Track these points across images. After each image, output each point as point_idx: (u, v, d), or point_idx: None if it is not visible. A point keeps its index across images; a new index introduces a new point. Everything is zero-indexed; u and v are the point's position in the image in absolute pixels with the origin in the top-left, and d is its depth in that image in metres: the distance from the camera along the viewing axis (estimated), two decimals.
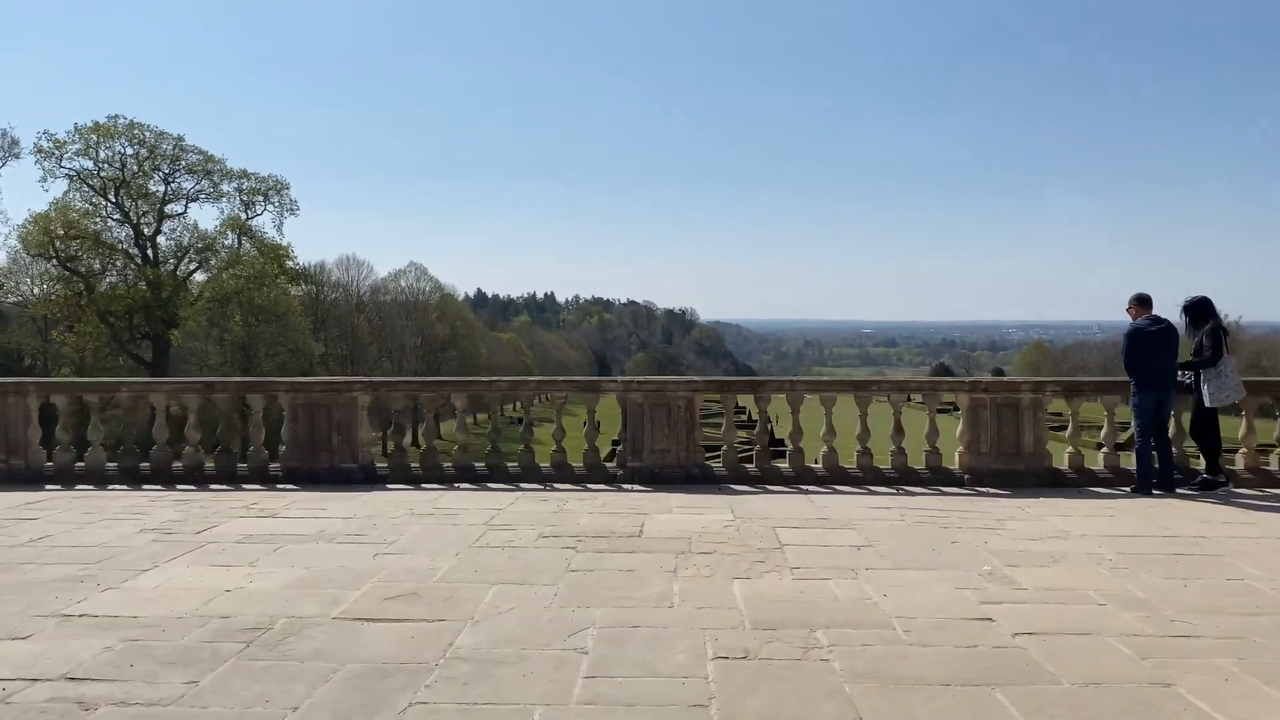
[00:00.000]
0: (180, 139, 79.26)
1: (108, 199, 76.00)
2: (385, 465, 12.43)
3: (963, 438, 12.21)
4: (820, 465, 12.24)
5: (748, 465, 12.32)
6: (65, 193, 75.53)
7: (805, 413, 12.54)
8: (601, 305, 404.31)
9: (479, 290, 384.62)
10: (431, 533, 8.93)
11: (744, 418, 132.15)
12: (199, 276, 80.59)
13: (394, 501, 10.68)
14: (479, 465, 12.32)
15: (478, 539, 8.64)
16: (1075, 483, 11.97)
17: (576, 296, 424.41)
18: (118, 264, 76.58)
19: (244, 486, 12.07)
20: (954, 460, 12.33)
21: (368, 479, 12.24)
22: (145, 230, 78.98)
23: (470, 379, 12.32)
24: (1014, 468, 11.98)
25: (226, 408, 12.52)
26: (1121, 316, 12.24)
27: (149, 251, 79.02)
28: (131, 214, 77.65)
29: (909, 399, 13.14)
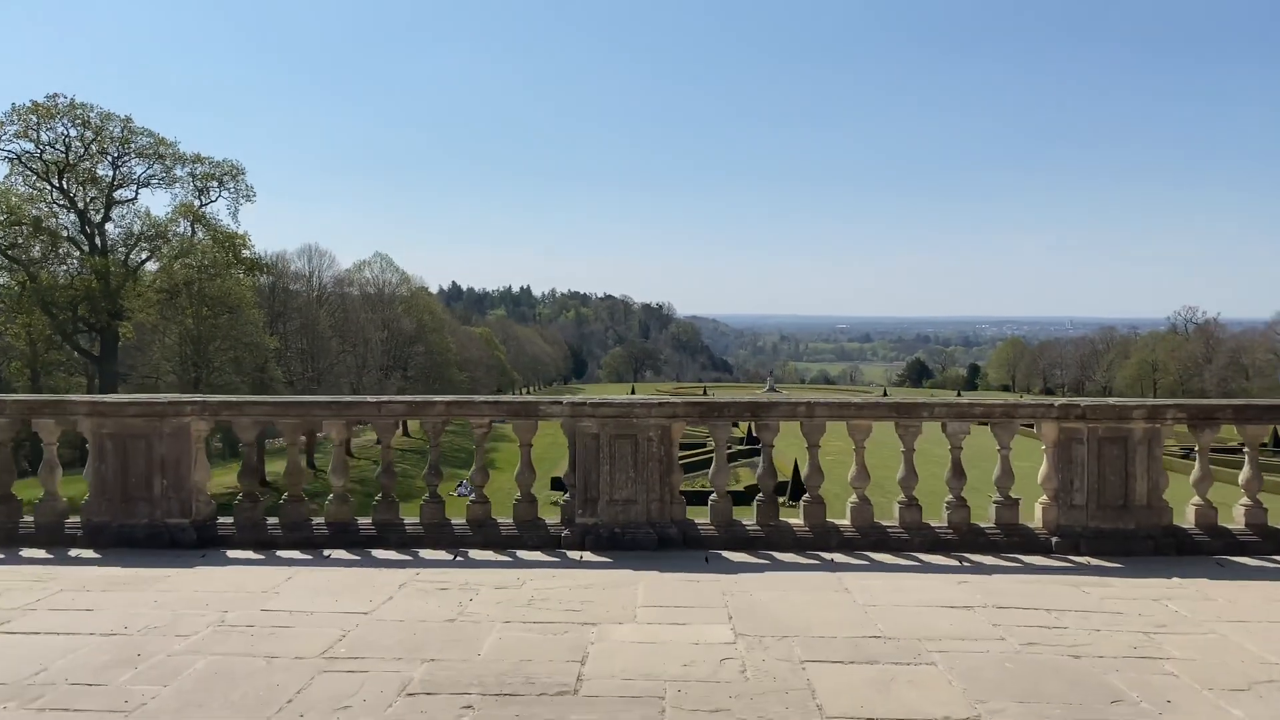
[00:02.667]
0: (128, 120, 74.94)
1: (51, 183, 71.54)
2: (231, 521, 8.73)
3: (1047, 483, 8.67)
4: (848, 522, 8.66)
5: (746, 522, 8.72)
6: (6, 176, 71.19)
7: (826, 443, 9.00)
8: (578, 300, 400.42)
9: (453, 283, 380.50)
10: (221, 680, 5.26)
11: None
12: (151, 266, 76.30)
13: (205, 594, 6.96)
14: (364, 523, 8.66)
15: (290, 700, 4.98)
16: (1205, 548, 8.46)
17: (553, 290, 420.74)
18: (60, 251, 72.16)
19: (22, 553, 8.35)
20: (1034, 513, 8.81)
21: (203, 541, 8.55)
22: (93, 216, 74.59)
23: (350, 400, 8.64)
24: (1121, 526, 8.45)
25: (2, 436, 8.75)
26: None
27: (97, 239, 74.66)
28: (78, 199, 73.21)
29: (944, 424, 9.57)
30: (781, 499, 66.36)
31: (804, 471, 8.81)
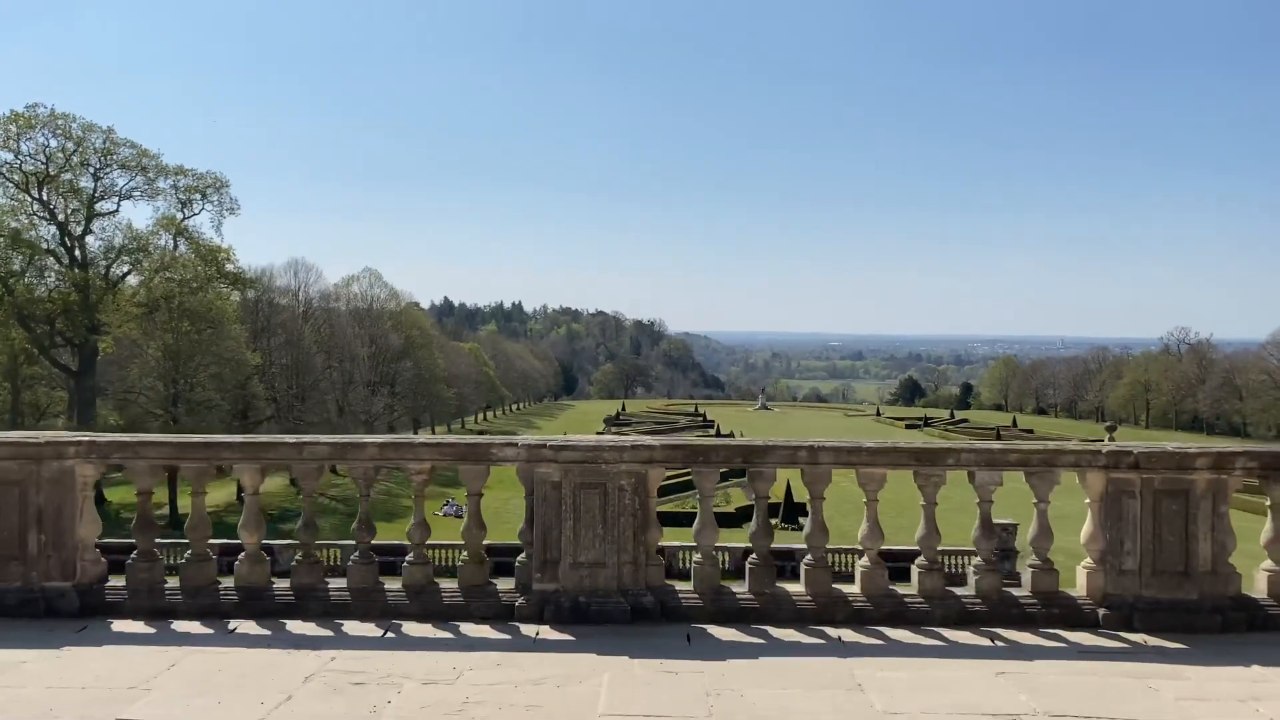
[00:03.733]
0: (110, 131, 73.63)
1: (31, 194, 70.06)
2: (122, 585, 7.32)
3: (1092, 544, 7.31)
4: (858, 589, 7.29)
5: (736, 590, 7.34)
6: None
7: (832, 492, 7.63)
8: (570, 315, 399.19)
9: (445, 299, 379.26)
10: None
11: (711, 432, 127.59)
12: (132, 280, 74.80)
13: (57, 693, 5.53)
14: (280, 588, 7.26)
15: None
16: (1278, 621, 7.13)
17: (545, 306, 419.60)
18: (38, 264, 70.64)
19: None
20: (1076, 579, 7.47)
21: (87, 608, 7.13)
22: (73, 229, 73.13)
23: (265, 440, 7.25)
24: (1182, 597, 7.10)
25: None
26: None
27: (77, 252, 73.19)
28: (58, 211, 71.75)
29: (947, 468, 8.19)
30: (773, 521, 65.23)
31: (807, 529, 7.43)
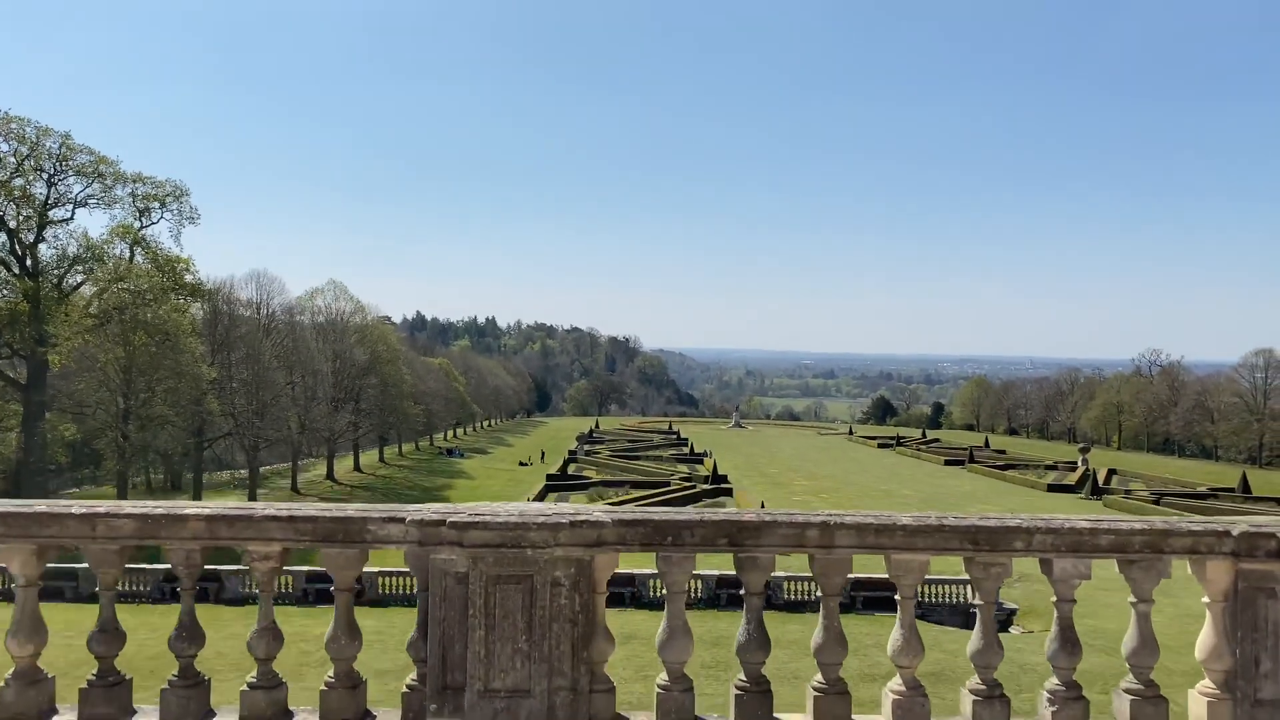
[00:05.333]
0: (67, 136, 70.98)
1: None
2: None
3: (1214, 661, 5.22)
4: None
5: None
6: None
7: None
8: (544, 331, 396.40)
9: (418, 313, 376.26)
10: None
11: (685, 450, 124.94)
12: (87, 289, 71.85)
13: None
14: (63, 710, 5.05)
15: None
16: None
17: (519, 322, 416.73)
18: None
19: None
20: (1190, 709, 5.38)
21: None
22: (25, 236, 70.16)
23: (40, 510, 4.95)
24: None
25: None
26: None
27: (28, 260, 70.20)
28: (8, 218, 68.73)
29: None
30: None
31: (817, 639, 5.29)
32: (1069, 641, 5.22)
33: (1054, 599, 5.25)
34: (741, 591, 5.31)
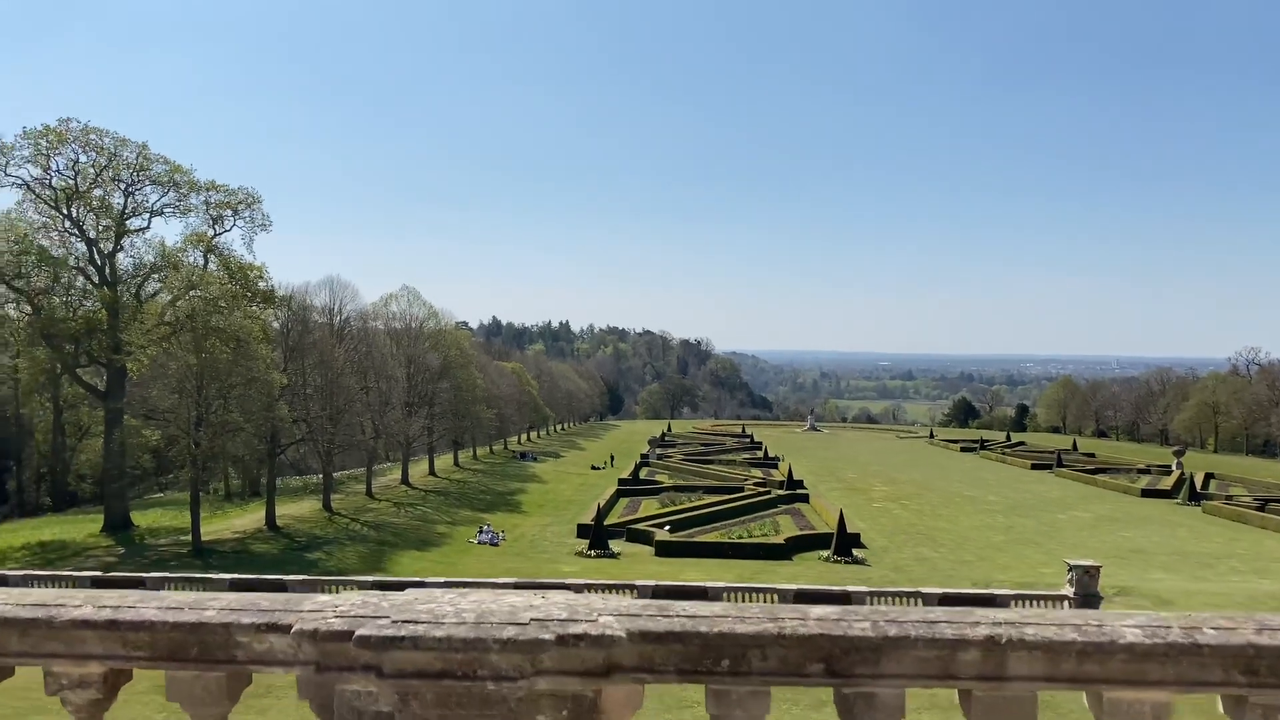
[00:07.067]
0: (144, 147, 71.52)
1: (61, 211, 68.00)
2: None
3: None
4: None
5: None
6: (19, 203, 68.00)
7: None
8: (616, 335, 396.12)
9: (494, 318, 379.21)
10: None
11: (759, 454, 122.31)
12: (162, 297, 72.55)
13: None
14: None
15: None
16: None
17: (591, 326, 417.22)
18: (64, 282, 68.55)
19: None
20: None
21: None
22: (104, 247, 71.00)
23: None
24: None
25: None
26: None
27: (107, 270, 71.04)
28: (88, 228, 69.62)
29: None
30: (824, 553, 58.77)
31: None
32: None
33: None
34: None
